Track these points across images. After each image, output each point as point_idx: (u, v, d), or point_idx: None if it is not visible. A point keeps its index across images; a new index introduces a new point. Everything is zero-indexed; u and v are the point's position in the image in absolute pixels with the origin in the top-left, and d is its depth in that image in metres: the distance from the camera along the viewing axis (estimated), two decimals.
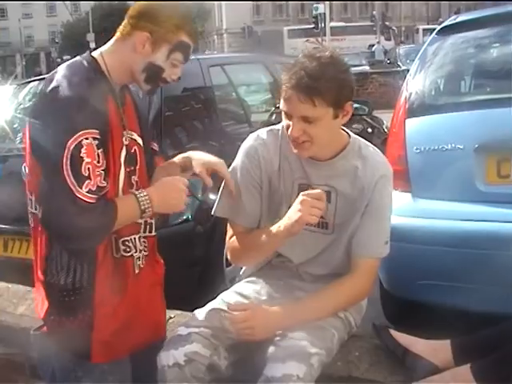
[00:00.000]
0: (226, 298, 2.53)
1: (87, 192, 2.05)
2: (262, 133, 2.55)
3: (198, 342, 2.30)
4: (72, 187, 2.03)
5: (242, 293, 2.56)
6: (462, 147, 3.28)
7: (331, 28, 40.18)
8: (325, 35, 38.27)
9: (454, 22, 4.12)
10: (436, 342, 2.44)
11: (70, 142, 2.03)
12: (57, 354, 2.27)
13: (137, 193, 2.21)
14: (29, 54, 69.91)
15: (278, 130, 2.53)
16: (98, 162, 2.09)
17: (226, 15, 65.82)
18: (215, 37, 69.76)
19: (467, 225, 3.22)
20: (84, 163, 2.06)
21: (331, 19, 44.86)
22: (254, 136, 2.55)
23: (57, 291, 2.23)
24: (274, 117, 5.87)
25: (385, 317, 3.83)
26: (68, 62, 2.27)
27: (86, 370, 2.25)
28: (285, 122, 2.34)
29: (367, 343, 2.60)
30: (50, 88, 2.12)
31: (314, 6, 41.10)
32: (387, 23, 46.11)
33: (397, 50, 28.66)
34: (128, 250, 2.28)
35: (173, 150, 4.20)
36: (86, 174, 2.06)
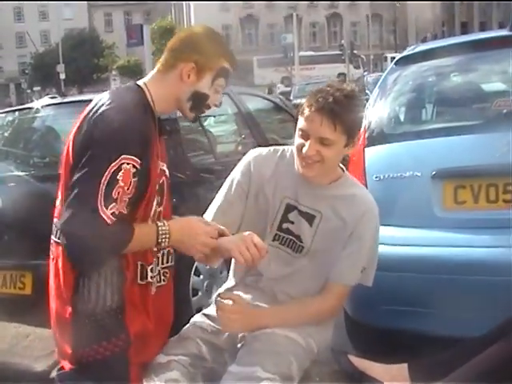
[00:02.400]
0: (198, 323, 2.59)
1: (111, 214, 2.10)
2: (263, 149, 2.70)
3: (178, 369, 2.36)
4: (99, 205, 2.08)
5: (211, 314, 2.61)
6: (419, 174, 3.34)
7: (300, 57, 40.58)
8: (294, 64, 38.65)
9: (413, 52, 4.23)
10: (393, 366, 2.49)
11: (113, 163, 2.10)
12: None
13: (159, 224, 2.26)
14: None
15: (279, 149, 2.68)
16: (128, 189, 2.14)
17: None
18: None
19: (425, 250, 3.27)
20: (117, 186, 2.12)
21: (300, 48, 45.31)
22: (254, 150, 2.71)
23: (87, 317, 2.22)
24: (240, 147, 5.93)
25: (351, 344, 3.85)
26: (118, 88, 2.37)
27: None
28: (299, 140, 2.48)
29: (328, 368, 2.63)
30: (100, 111, 2.19)
31: (283, 35, 41.57)
32: (355, 52, 46.58)
33: (365, 78, 29.00)
34: (152, 276, 2.34)
35: None
36: (115, 197, 2.12)
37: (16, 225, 4.27)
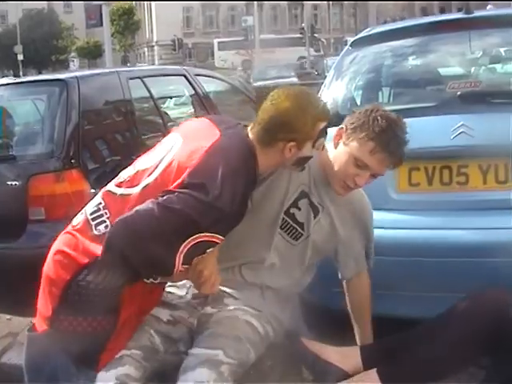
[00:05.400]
0: (154, 312, 2.54)
1: (179, 270, 2.18)
2: None
3: (130, 364, 2.34)
4: (177, 261, 2.15)
5: (169, 302, 2.59)
6: None
7: (261, 40, 40.51)
8: (255, 47, 38.57)
9: (368, 33, 4.21)
10: (345, 348, 2.49)
11: (208, 234, 2.17)
12: (59, 355, 2.23)
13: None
14: None
15: None
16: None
17: (157, 27, 65.43)
18: (146, 49, 69.32)
19: (381, 232, 3.27)
20: (198, 254, 2.22)
21: (261, 31, 45.20)
22: None
23: (81, 290, 2.23)
24: None
25: (306, 326, 3.85)
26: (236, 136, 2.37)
27: (89, 378, 2.26)
28: (353, 169, 2.53)
29: (281, 352, 2.62)
30: (223, 167, 2.20)
31: (244, 18, 41.44)
32: (316, 35, 46.58)
33: (324, 62, 29.02)
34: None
35: (93, 163, 4.19)
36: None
37: None
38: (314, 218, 2.63)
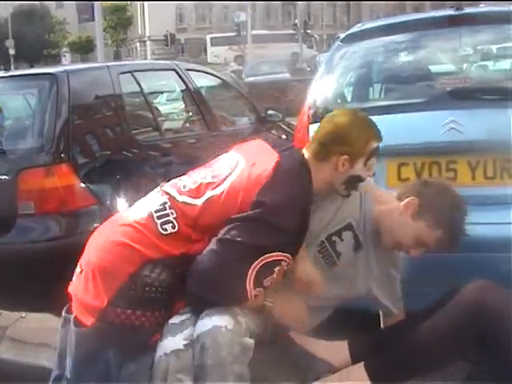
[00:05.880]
0: None
1: (254, 294, 2.31)
2: None
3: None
4: (248, 285, 2.28)
5: None
6: None
7: (253, 36, 40.42)
8: (247, 43, 38.50)
9: (360, 29, 4.21)
10: (333, 342, 2.50)
11: (280, 254, 2.31)
12: (113, 349, 2.25)
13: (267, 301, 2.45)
14: None
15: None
16: (276, 279, 2.37)
17: (149, 22, 65.35)
18: (138, 44, 69.21)
19: None
20: (270, 278, 2.33)
21: (254, 27, 45.09)
22: None
23: (139, 284, 2.27)
24: (187, 124, 5.90)
25: None
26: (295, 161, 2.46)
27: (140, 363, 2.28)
28: (412, 244, 2.64)
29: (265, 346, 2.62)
30: (285, 196, 2.32)
31: (236, 13, 41.34)
32: (309, 31, 46.52)
33: (317, 58, 29.00)
34: None
35: (83, 158, 4.17)
36: (266, 284, 2.34)
37: None
38: (355, 252, 2.70)
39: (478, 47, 4.64)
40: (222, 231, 2.30)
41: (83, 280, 2.36)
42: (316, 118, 3.55)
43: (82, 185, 3.93)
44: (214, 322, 2.25)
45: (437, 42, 4.04)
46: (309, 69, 26.43)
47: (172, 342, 2.28)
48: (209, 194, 2.40)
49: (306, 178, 2.40)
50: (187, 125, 5.94)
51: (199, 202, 2.38)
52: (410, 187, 2.73)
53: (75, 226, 3.85)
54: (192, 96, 5.74)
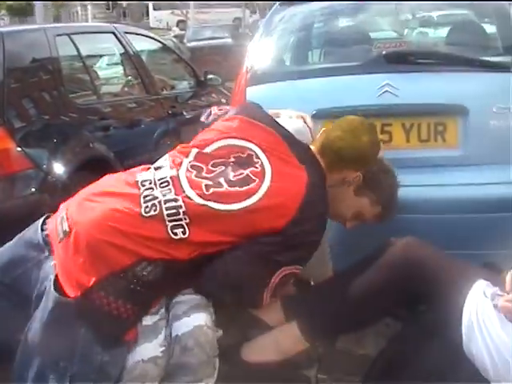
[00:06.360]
0: None
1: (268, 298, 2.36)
2: None
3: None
4: (266, 294, 2.34)
5: None
6: None
7: (196, 0, 40.06)
8: (190, 8, 38.12)
9: None
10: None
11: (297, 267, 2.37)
12: (85, 327, 2.11)
13: None
14: None
15: None
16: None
17: None
18: (79, 8, 67.81)
19: None
20: (283, 287, 2.39)
21: None
22: None
23: (130, 276, 2.14)
24: (126, 88, 5.85)
25: None
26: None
27: (114, 355, 2.15)
28: (351, 217, 2.70)
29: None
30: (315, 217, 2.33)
31: None
32: None
33: (259, 23, 28.85)
34: None
35: (19, 121, 4.12)
36: (277, 293, 2.39)
37: None
38: None
39: (418, 14, 4.70)
40: (256, 245, 2.25)
41: (72, 247, 2.18)
42: (254, 80, 3.54)
43: (19, 149, 3.88)
44: (194, 321, 2.22)
45: (377, 6, 4.08)
46: (251, 34, 26.30)
47: (149, 350, 2.20)
48: (243, 203, 2.26)
49: (326, 193, 2.42)
50: (126, 88, 5.89)
51: (227, 208, 2.26)
52: None
53: (11, 190, 3.80)
54: (131, 59, 5.69)
